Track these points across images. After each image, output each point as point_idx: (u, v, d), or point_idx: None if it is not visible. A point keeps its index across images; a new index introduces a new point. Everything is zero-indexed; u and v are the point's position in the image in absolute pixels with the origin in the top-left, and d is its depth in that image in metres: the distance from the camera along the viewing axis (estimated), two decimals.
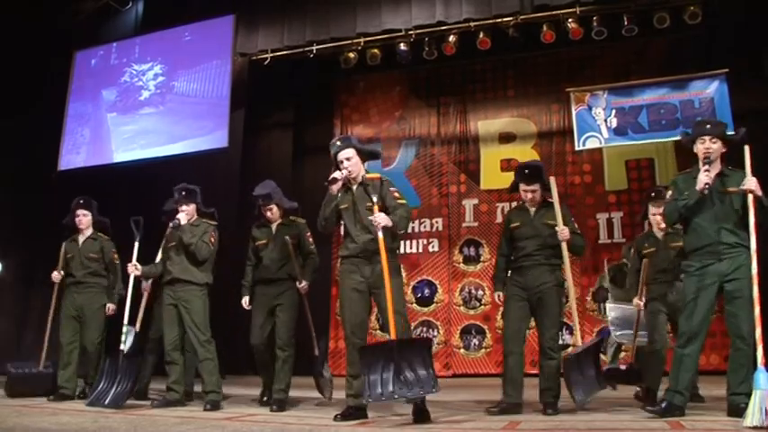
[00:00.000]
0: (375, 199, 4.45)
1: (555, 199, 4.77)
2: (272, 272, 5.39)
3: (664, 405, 4.01)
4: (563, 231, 4.67)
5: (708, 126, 4.35)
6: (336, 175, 4.60)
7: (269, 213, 5.51)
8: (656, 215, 5.34)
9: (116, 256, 6.13)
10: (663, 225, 5.19)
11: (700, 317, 4.12)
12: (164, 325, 5.44)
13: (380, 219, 4.32)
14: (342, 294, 4.62)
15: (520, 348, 4.70)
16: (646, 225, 5.68)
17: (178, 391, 5.32)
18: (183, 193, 5.55)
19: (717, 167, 4.27)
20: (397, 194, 4.62)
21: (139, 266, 5.56)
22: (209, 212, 5.70)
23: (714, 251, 4.15)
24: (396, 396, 3.94)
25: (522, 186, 4.91)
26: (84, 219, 6.19)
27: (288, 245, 5.34)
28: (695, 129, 4.42)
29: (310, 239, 5.58)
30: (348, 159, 4.63)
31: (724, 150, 4.30)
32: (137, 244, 5.63)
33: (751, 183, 4.05)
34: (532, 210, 4.90)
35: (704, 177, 4.14)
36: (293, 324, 5.35)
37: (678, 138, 7.89)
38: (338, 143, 4.74)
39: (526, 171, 4.93)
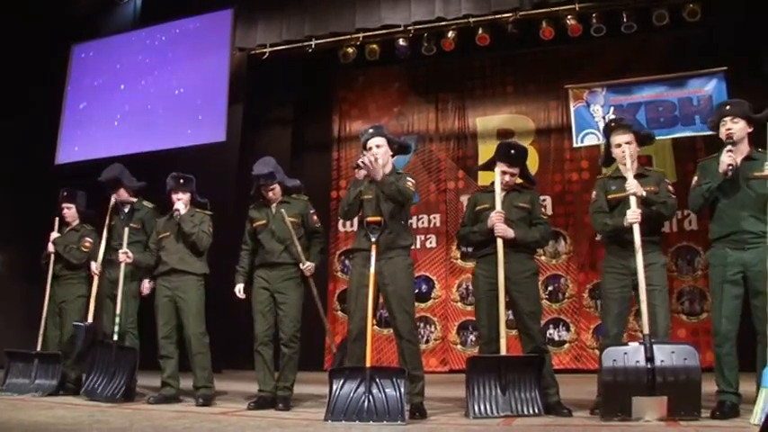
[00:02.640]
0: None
1: (497, 187, 4.57)
2: (274, 255, 5.03)
3: (725, 408, 3.89)
4: (496, 215, 4.46)
5: (728, 107, 4.26)
6: (364, 159, 4.50)
7: (270, 194, 5.16)
8: (621, 145, 4.41)
9: (87, 244, 6.07)
10: (630, 162, 4.35)
11: (733, 314, 4.03)
12: (158, 317, 5.33)
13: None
14: (350, 288, 4.59)
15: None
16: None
17: (174, 385, 5.24)
18: (181, 180, 5.47)
19: (743, 150, 4.14)
20: (410, 183, 4.56)
21: (131, 254, 5.47)
22: (202, 202, 5.62)
23: (739, 240, 4.04)
24: (357, 421, 3.88)
25: (502, 167, 4.65)
26: (68, 212, 6.21)
27: (287, 223, 5.01)
28: (716, 112, 4.33)
29: (315, 218, 5.27)
30: (378, 147, 4.57)
31: (749, 130, 4.17)
32: (126, 230, 5.57)
33: None
34: (502, 193, 4.60)
35: (727, 158, 4.00)
36: (298, 316, 5.02)
37: (676, 135, 7.99)
38: (370, 130, 4.67)
39: (512, 152, 4.70)
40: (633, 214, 4.18)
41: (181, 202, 5.37)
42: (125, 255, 5.46)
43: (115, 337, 5.34)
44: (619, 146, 4.43)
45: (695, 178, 4.35)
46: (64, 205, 6.21)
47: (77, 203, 6.26)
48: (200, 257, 5.42)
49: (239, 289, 5.21)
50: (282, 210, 5.08)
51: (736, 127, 4.14)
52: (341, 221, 9.75)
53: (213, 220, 5.59)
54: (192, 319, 5.26)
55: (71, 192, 6.28)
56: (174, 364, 5.29)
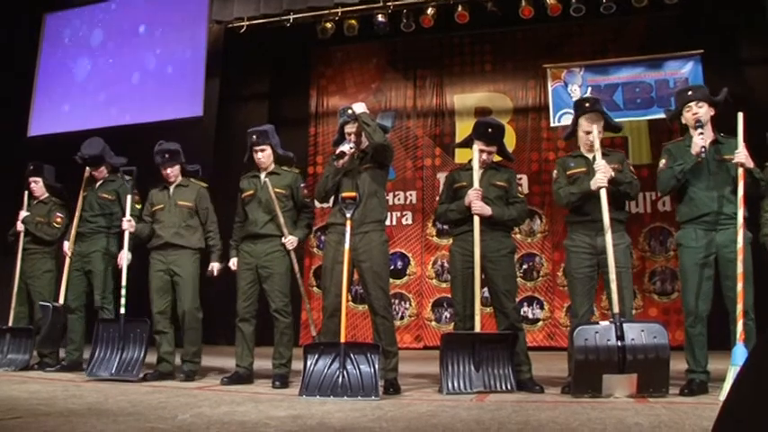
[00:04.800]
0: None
1: (475, 164, 4.60)
2: (257, 226, 4.91)
3: (693, 386, 3.99)
4: (474, 192, 4.49)
5: (690, 92, 4.32)
6: (344, 148, 4.52)
7: (260, 155, 4.98)
8: (590, 134, 4.41)
9: (59, 219, 6.03)
10: (595, 145, 4.37)
11: (705, 295, 4.13)
12: (152, 292, 5.24)
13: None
14: (325, 264, 4.61)
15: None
16: None
17: (171, 361, 5.19)
18: (166, 155, 5.35)
19: (710, 134, 4.24)
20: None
21: (134, 222, 5.33)
22: (193, 171, 5.51)
23: (711, 221, 4.13)
24: (331, 397, 3.91)
25: (480, 145, 4.66)
26: (36, 186, 6.16)
27: (271, 194, 4.87)
28: (678, 98, 4.40)
29: (305, 191, 5.18)
30: (357, 135, 4.62)
31: (712, 114, 4.27)
32: (129, 197, 5.40)
33: (741, 155, 4.01)
34: (479, 171, 4.62)
35: (699, 140, 4.09)
36: (286, 290, 4.90)
37: (652, 117, 8.05)
38: (349, 111, 4.64)
39: (489, 130, 4.71)
40: (601, 177, 4.21)
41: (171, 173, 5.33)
42: (128, 222, 5.29)
43: (122, 310, 5.11)
44: (588, 133, 4.44)
45: (662, 161, 4.43)
46: (31, 179, 6.16)
47: (45, 177, 6.19)
48: (194, 231, 5.33)
49: (233, 263, 5.13)
50: (268, 180, 4.96)
51: (701, 111, 4.23)
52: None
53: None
54: (188, 294, 5.19)
55: (38, 165, 6.21)
56: (170, 340, 5.22)
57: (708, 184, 4.18)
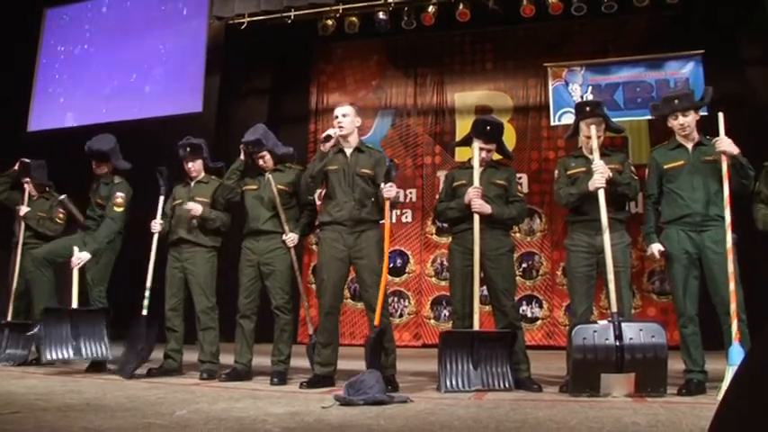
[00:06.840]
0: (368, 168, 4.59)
1: (476, 163, 4.60)
2: (259, 222, 4.94)
3: (691, 386, 3.99)
4: (474, 190, 4.48)
5: (676, 101, 4.32)
6: (330, 132, 4.53)
7: (261, 162, 5.02)
8: (590, 138, 4.37)
9: (61, 215, 6.01)
10: (593, 145, 4.34)
11: (692, 295, 4.15)
12: (166, 288, 5.22)
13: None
14: (321, 262, 4.61)
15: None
16: None
17: (176, 359, 5.18)
18: (188, 149, 5.34)
19: (695, 137, 4.27)
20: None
21: (163, 223, 5.27)
22: (217, 168, 5.47)
23: (692, 222, 4.15)
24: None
25: (479, 144, 4.66)
26: (29, 186, 6.12)
27: (273, 191, 4.88)
28: (665, 105, 4.39)
29: None
30: (344, 116, 4.62)
31: (698, 118, 4.29)
32: (162, 198, 5.33)
33: (723, 143, 4.01)
34: (479, 169, 4.60)
35: (598, 177, 4.20)
36: (287, 287, 4.93)
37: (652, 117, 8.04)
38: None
39: (488, 128, 4.71)
40: (599, 177, 4.22)
41: (196, 203, 5.17)
42: (158, 224, 5.23)
43: (144, 312, 5.06)
44: (589, 138, 4.41)
45: (647, 171, 4.50)
46: (23, 180, 6.13)
47: (32, 177, 6.13)
48: (210, 229, 5.28)
49: None
50: (270, 177, 4.96)
51: (687, 120, 4.26)
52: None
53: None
54: (202, 293, 5.16)
55: (26, 165, 6.14)
56: (178, 338, 5.21)
57: (690, 185, 4.20)
